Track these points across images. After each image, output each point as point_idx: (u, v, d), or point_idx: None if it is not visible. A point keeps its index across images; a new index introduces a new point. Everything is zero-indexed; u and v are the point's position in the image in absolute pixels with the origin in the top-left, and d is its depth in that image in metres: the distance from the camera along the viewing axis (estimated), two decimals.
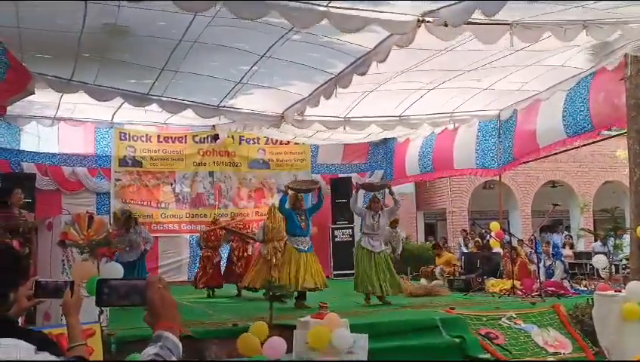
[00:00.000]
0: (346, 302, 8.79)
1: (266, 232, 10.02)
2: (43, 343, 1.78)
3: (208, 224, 11.93)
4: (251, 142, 14.51)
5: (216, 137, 13.78)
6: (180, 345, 1.61)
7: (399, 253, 13.60)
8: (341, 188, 14.28)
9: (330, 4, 6.00)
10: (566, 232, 21.69)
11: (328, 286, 9.11)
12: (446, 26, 6.28)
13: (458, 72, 9.19)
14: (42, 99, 9.86)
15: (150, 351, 1.55)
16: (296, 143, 14.53)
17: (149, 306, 1.67)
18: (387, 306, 8.62)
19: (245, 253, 11.05)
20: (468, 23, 6.40)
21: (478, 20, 6.36)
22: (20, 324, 2.53)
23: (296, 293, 8.57)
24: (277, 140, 14.56)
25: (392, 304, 8.72)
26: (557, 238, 17.04)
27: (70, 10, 6.39)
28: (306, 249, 8.99)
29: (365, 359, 5.83)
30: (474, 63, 8.75)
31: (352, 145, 14.99)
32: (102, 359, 5.28)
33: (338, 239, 14.19)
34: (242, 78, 9.22)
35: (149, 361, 1.53)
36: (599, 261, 10.15)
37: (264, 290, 7.52)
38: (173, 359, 1.56)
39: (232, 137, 14.04)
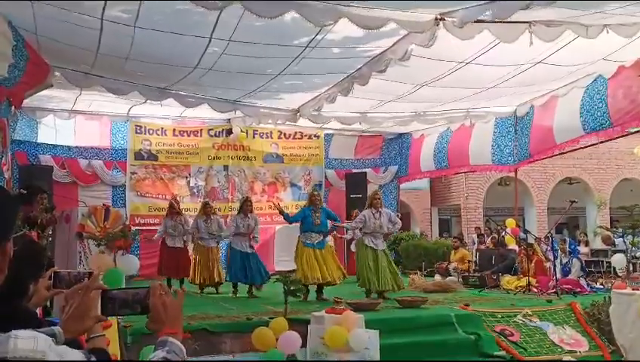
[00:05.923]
0: (361, 297, 8.75)
1: None
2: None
3: None
4: (264, 136, 14.48)
5: (229, 131, 13.79)
6: (184, 349, 1.67)
7: None
8: (355, 183, 14.21)
9: (350, 4, 5.98)
10: (578, 231, 21.47)
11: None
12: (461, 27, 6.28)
13: (476, 88, 9.27)
14: (60, 92, 9.93)
15: (159, 354, 1.61)
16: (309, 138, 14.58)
17: (152, 313, 1.72)
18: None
19: None
20: (487, 22, 6.35)
21: (497, 19, 6.30)
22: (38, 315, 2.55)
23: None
24: (290, 134, 14.56)
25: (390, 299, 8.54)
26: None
27: (87, 28, 6.44)
28: (314, 244, 9.00)
29: (377, 355, 5.82)
30: (491, 82, 8.83)
31: (365, 138, 14.96)
32: (118, 350, 5.31)
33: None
34: (257, 88, 9.55)
35: None
36: (618, 260, 10.04)
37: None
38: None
39: (246, 132, 14.03)
